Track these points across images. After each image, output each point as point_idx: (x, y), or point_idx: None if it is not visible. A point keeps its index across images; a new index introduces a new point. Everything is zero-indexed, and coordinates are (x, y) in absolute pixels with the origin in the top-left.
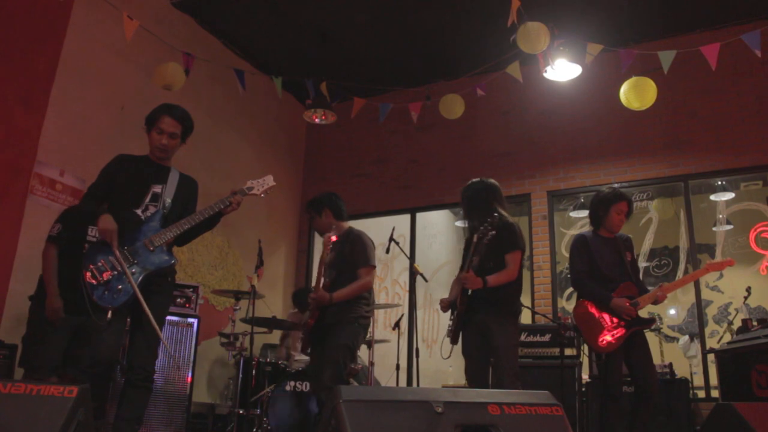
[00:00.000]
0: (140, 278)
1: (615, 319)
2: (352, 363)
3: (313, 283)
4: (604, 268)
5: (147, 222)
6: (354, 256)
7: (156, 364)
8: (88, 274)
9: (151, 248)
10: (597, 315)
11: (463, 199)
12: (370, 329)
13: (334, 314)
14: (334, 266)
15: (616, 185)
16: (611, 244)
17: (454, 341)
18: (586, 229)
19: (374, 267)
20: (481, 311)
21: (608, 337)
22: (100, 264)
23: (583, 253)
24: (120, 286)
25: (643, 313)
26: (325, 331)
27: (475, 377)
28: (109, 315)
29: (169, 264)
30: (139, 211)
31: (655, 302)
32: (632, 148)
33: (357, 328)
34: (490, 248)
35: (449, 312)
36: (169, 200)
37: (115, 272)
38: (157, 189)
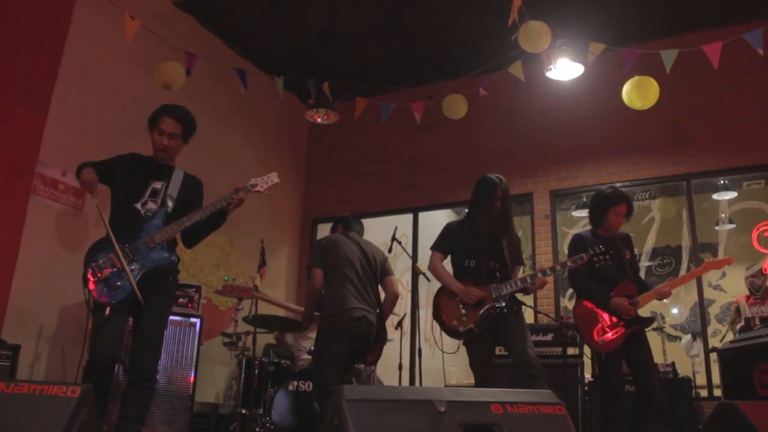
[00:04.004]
0: (139, 275)
1: (614, 319)
2: None
3: None
4: (602, 268)
5: (150, 220)
6: None
7: (159, 365)
8: (89, 271)
9: (152, 245)
10: (596, 314)
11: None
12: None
13: None
14: None
15: (618, 184)
16: (610, 243)
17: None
18: (589, 228)
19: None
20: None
21: (608, 337)
22: (101, 262)
23: (582, 252)
24: (119, 283)
25: (644, 311)
26: None
27: (486, 383)
28: (108, 311)
29: (168, 261)
30: (138, 206)
31: (660, 298)
32: (634, 147)
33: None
34: (503, 255)
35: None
36: (172, 198)
37: (115, 269)
38: (157, 185)
